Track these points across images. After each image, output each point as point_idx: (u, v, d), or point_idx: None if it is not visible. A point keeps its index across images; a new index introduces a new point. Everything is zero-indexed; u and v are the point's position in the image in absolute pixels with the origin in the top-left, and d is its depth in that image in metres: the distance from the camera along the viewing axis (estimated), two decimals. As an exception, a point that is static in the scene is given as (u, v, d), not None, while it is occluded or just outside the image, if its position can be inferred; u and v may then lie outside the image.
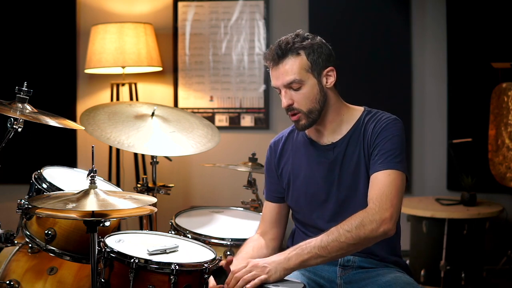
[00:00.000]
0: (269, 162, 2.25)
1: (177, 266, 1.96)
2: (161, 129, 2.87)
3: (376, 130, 2.02)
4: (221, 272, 1.95)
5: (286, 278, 1.89)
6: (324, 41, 2.06)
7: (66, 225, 2.26)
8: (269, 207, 2.25)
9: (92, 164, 1.97)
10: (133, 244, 2.14)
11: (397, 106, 4.11)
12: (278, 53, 2.00)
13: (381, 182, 1.95)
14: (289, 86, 2.00)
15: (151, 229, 2.96)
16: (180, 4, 4.32)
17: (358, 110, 2.12)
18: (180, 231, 2.51)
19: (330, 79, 2.05)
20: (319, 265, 1.99)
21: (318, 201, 2.10)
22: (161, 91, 4.37)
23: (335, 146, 2.08)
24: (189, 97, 4.34)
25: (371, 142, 2.02)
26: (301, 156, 2.15)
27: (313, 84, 2.01)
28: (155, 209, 2.03)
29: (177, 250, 2.14)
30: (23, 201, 2.16)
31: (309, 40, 2.02)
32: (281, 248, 2.20)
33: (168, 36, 4.33)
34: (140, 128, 2.84)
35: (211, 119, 4.27)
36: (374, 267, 2.07)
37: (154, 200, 2.02)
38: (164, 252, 2.09)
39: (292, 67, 1.99)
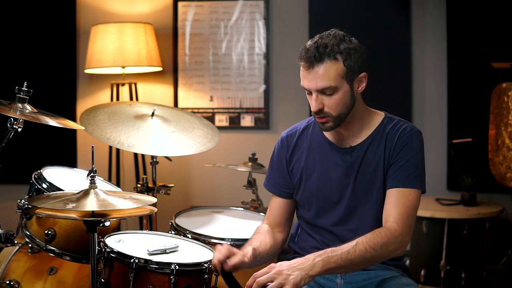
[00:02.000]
0: (280, 155, 2.17)
1: (177, 266, 1.96)
2: (161, 129, 2.87)
3: (400, 143, 2.00)
4: (229, 278, 1.90)
5: None
6: (359, 43, 2.00)
7: (66, 225, 2.26)
8: (278, 203, 2.18)
9: (92, 164, 1.98)
10: (133, 244, 2.14)
11: (397, 106, 4.11)
12: (316, 56, 1.92)
13: (403, 201, 1.95)
14: (322, 91, 1.94)
15: (151, 229, 2.96)
16: (180, 4, 4.32)
17: (379, 115, 2.10)
18: (180, 231, 2.51)
19: (362, 85, 2.03)
20: None
21: (329, 204, 2.07)
22: (161, 91, 4.37)
23: (353, 150, 2.05)
24: (189, 97, 4.34)
25: (394, 154, 2.00)
26: (315, 155, 2.11)
27: (346, 91, 1.96)
28: (155, 209, 2.03)
29: (177, 250, 2.14)
30: (23, 201, 2.16)
31: (346, 44, 1.95)
32: (287, 239, 2.18)
33: (168, 36, 4.33)
34: (140, 128, 2.84)
35: (211, 119, 4.27)
36: (374, 269, 2.06)
37: (154, 200, 2.02)
38: (164, 252, 2.09)
39: (328, 73, 1.92)
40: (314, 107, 1.96)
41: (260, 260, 2.01)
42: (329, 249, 1.83)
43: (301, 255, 2.05)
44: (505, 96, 3.62)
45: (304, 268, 1.78)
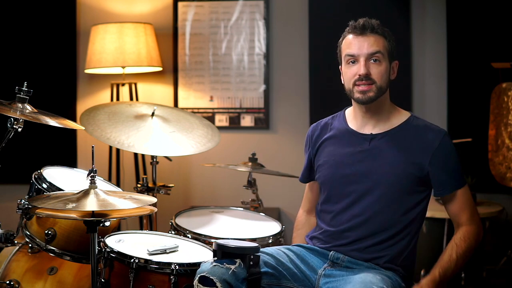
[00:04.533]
0: (305, 147, 2.32)
1: (177, 266, 1.97)
2: (161, 129, 2.88)
3: (442, 146, 2.13)
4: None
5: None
6: None
7: (66, 225, 2.26)
8: (310, 187, 2.35)
9: (92, 164, 1.98)
10: (133, 244, 2.14)
11: (397, 106, 4.11)
12: (369, 25, 2.10)
13: (467, 200, 2.15)
14: (371, 57, 2.07)
15: (151, 229, 2.97)
16: (180, 4, 4.32)
17: (405, 114, 2.21)
18: (180, 231, 2.51)
19: (394, 72, 2.17)
20: (309, 253, 2.09)
21: (339, 189, 2.13)
22: (161, 91, 4.37)
23: (373, 138, 2.12)
24: (189, 97, 4.34)
25: (437, 160, 2.10)
26: (335, 142, 2.19)
27: (387, 66, 2.11)
28: (155, 209, 2.03)
29: (177, 250, 2.15)
30: (23, 201, 2.17)
31: (386, 29, 2.15)
32: None
33: (168, 36, 4.33)
34: (140, 128, 2.85)
35: (211, 119, 4.27)
36: (360, 267, 2.06)
37: (154, 200, 2.02)
38: (164, 252, 2.10)
39: (378, 42, 2.10)
40: (362, 70, 2.06)
41: None
42: (436, 275, 2.09)
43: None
44: (505, 96, 3.61)
45: None
